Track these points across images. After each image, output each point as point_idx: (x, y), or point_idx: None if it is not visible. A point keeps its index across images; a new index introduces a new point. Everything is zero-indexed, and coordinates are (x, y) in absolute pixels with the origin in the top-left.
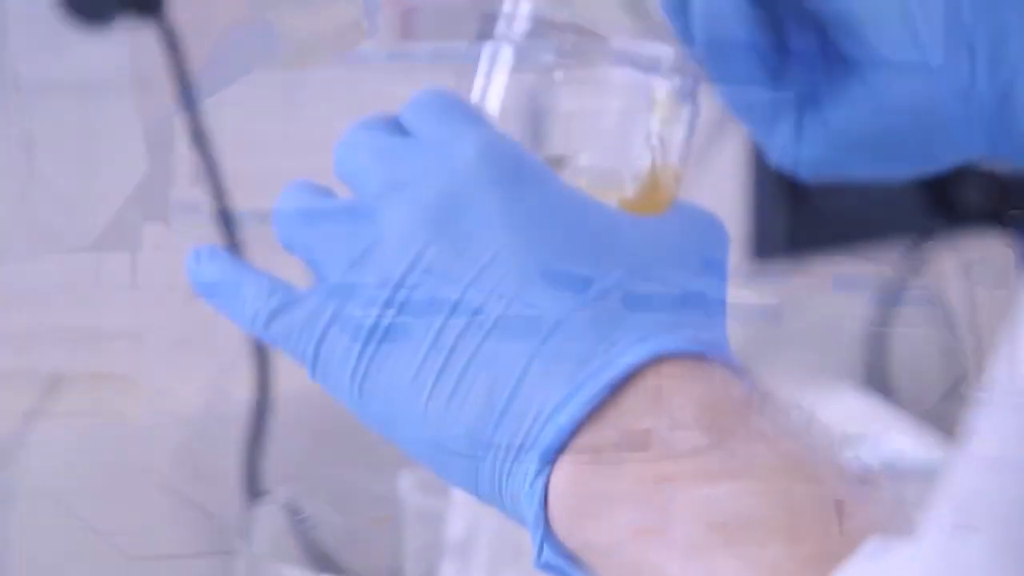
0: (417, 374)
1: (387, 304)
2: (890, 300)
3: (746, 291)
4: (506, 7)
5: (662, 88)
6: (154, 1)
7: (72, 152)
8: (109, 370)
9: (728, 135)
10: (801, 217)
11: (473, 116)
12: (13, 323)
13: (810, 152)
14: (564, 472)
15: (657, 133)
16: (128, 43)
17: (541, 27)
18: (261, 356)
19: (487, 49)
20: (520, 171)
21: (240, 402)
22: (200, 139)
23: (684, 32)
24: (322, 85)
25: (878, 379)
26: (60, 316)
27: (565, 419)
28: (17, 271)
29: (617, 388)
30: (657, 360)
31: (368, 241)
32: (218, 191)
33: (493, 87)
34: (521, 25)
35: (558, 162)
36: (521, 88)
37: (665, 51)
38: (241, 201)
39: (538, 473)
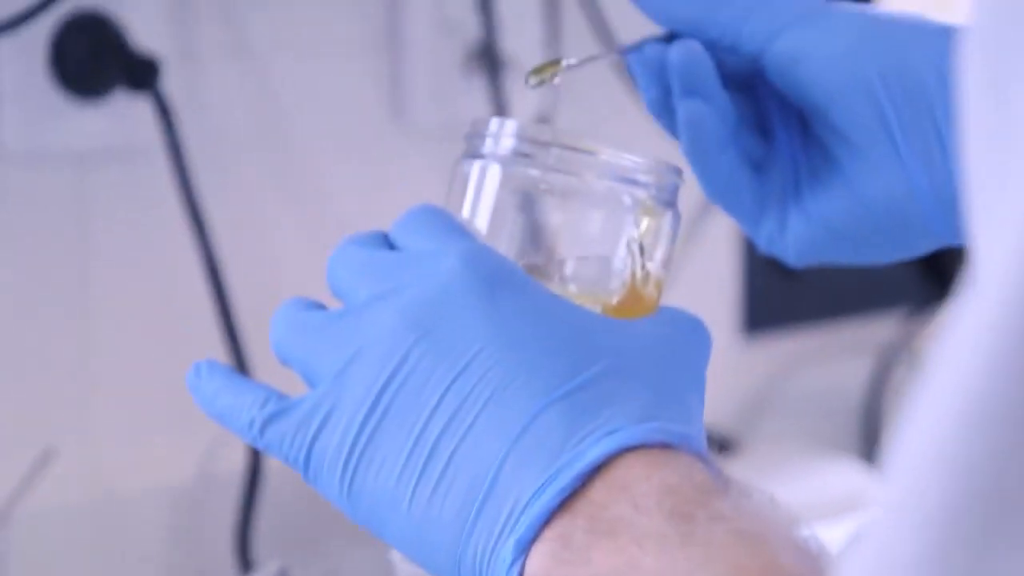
0: (401, 474)
1: (372, 408)
2: (885, 369)
3: (741, 363)
4: (492, 127)
5: (643, 198)
6: (149, 74)
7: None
8: (101, 440)
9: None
10: (794, 288)
11: (456, 229)
12: (7, 392)
13: (795, 242)
14: (538, 559)
15: (639, 242)
16: (123, 115)
17: (526, 144)
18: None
19: (476, 166)
20: (500, 279)
21: (232, 472)
22: (196, 215)
23: (670, 130)
24: (325, 174)
25: (873, 447)
26: (52, 386)
27: (538, 510)
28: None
29: (586, 479)
30: (624, 452)
31: (354, 349)
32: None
33: (483, 202)
34: (507, 143)
35: (544, 271)
36: (509, 202)
37: (645, 162)
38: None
39: (514, 561)
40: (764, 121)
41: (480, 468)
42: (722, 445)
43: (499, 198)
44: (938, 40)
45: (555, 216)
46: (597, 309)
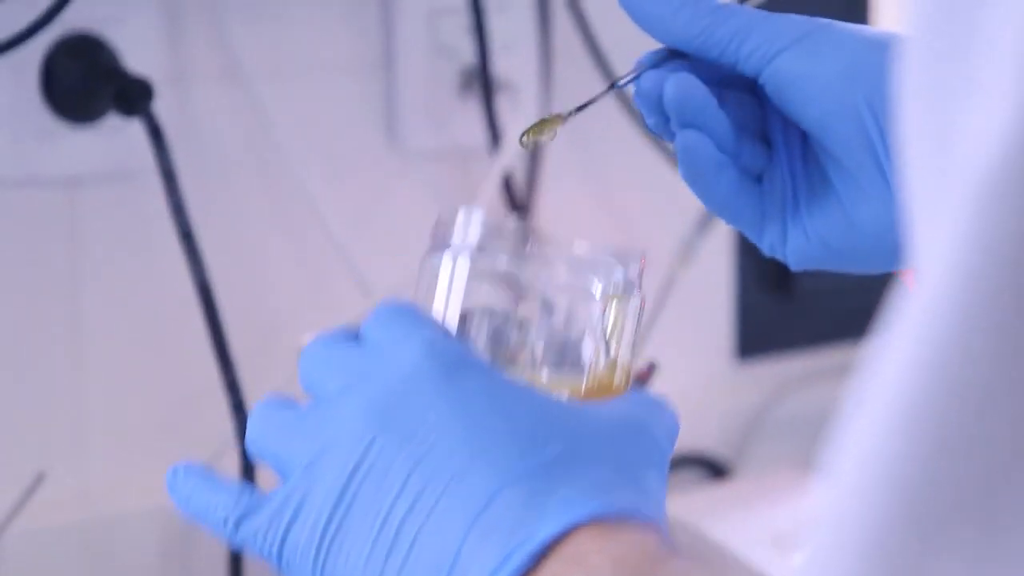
0: (368, 559)
1: (340, 498)
2: None
3: (734, 387)
4: (459, 218)
5: (607, 285)
6: (142, 97)
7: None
8: (93, 463)
9: (713, 236)
10: (788, 311)
11: (421, 320)
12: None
13: (794, 252)
14: None
15: (605, 328)
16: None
17: (493, 235)
18: (246, 448)
19: (444, 258)
20: (459, 365)
21: None
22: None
23: (672, 149)
24: (318, 196)
25: None
26: (44, 409)
27: None
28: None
29: (540, 556)
30: (577, 527)
31: (322, 442)
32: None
33: (452, 294)
34: (474, 235)
35: (513, 360)
36: (477, 293)
37: (607, 250)
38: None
39: None
40: (767, 131)
41: (442, 550)
42: (715, 469)
43: (467, 289)
44: None
45: (522, 306)
46: (565, 395)
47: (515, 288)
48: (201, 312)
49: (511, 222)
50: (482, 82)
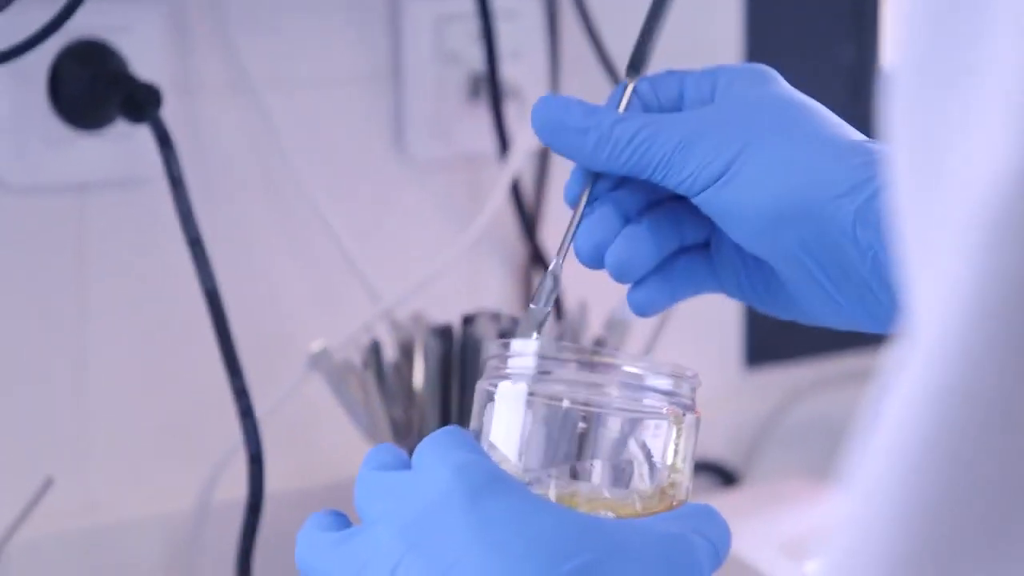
0: None
1: None
2: None
3: (743, 394)
4: (515, 347)
5: (664, 405)
6: (149, 104)
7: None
8: (99, 470)
9: None
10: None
11: (463, 444)
12: (3, 422)
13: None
14: None
15: (664, 447)
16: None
17: (548, 361)
18: (254, 455)
19: (501, 386)
20: (490, 487)
21: (231, 503)
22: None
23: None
24: (325, 205)
25: None
26: (50, 415)
27: None
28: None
29: None
30: None
31: (359, 564)
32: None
33: (511, 420)
34: (530, 361)
35: (572, 482)
36: (535, 419)
37: (663, 369)
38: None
39: None
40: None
41: None
42: (725, 477)
43: (525, 415)
44: (854, 178)
45: (580, 428)
46: (620, 514)
47: (571, 411)
48: (209, 319)
49: (566, 347)
50: (490, 89)
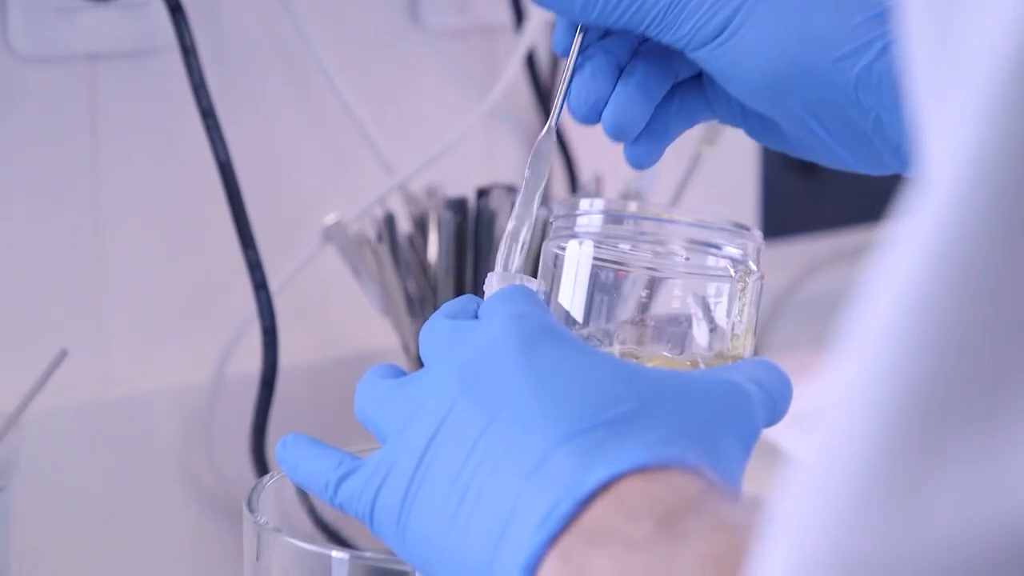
0: (440, 516)
1: (420, 460)
2: None
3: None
4: (582, 206)
5: (728, 263)
6: None
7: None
8: (115, 342)
9: None
10: (814, 193)
11: (523, 299)
12: (20, 295)
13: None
14: None
15: (727, 310)
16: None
17: (615, 219)
18: (268, 328)
19: (569, 245)
20: (545, 336)
21: (247, 375)
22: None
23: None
24: (339, 76)
25: None
26: (66, 288)
27: (540, 536)
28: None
29: (586, 503)
30: (624, 475)
31: (413, 409)
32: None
33: (577, 278)
34: (596, 219)
35: (636, 339)
36: (601, 276)
37: (727, 227)
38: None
39: None
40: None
41: (501, 504)
42: None
43: (590, 275)
44: (855, 40)
45: (644, 288)
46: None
47: (637, 268)
48: (222, 190)
49: (632, 205)
50: None
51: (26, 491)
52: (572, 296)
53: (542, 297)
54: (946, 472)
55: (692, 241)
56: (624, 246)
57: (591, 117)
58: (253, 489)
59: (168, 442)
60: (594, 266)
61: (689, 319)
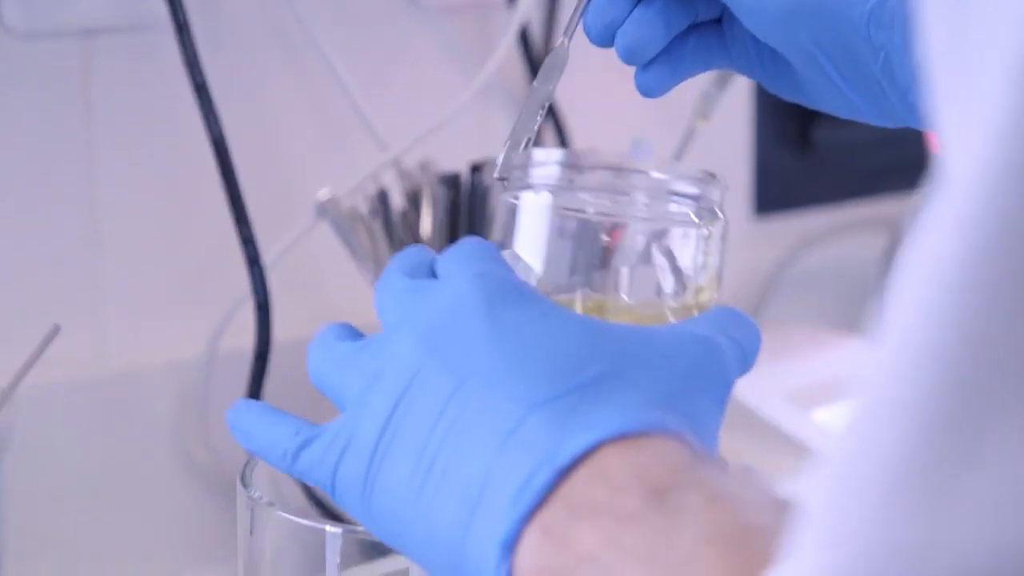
0: (408, 486)
1: (384, 427)
2: (900, 247)
3: (753, 242)
4: (538, 156)
5: (691, 211)
6: None
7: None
8: (109, 317)
9: (732, 89)
10: (808, 166)
11: (483, 255)
12: (13, 270)
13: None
14: (524, 553)
15: (691, 257)
16: None
17: (572, 170)
18: (261, 303)
19: (524, 196)
20: (509, 295)
21: (241, 350)
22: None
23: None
24: (334, 51)
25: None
26: (60, 263)
27: (519, 509)
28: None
29: (565, 473)
30: (603, 443)
31: (374, 371)
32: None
33: (535, 231)
34: (554, 170)
35: (600, 292)
36: (560, 228)
37: (688, 175)
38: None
39: (501, 560)
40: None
41: (473, 473)
42: None
43: (549, 225)
44: None
45: (605, 237)
46: (651, 324)
47: (597, 219)
48: (216, 165)
49: (589, 155)
50: None
51: (20, 467)
52: (530, 248)
53: (498, 248)
54: (984, 467)
55: (653, 188)
56: (584, 195)
57: (605, 37)
58: (247, 464)
59: (162, 417)
60: (553, 215)
61: (653, 267)
